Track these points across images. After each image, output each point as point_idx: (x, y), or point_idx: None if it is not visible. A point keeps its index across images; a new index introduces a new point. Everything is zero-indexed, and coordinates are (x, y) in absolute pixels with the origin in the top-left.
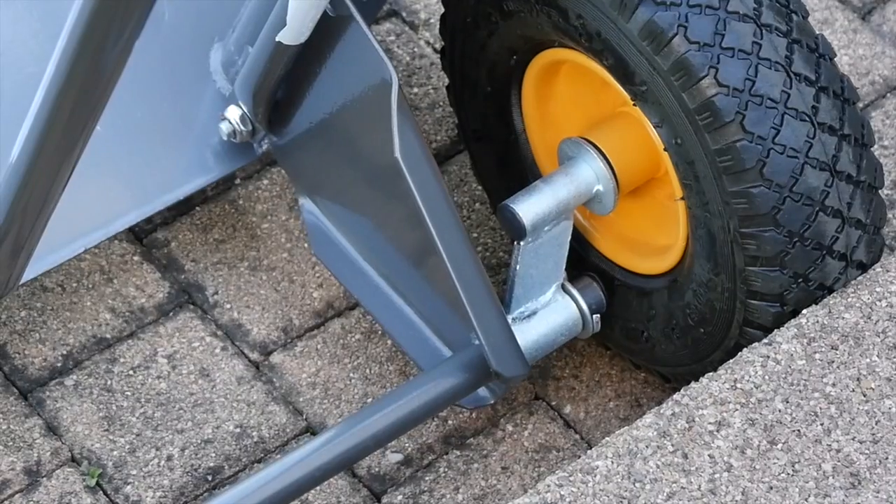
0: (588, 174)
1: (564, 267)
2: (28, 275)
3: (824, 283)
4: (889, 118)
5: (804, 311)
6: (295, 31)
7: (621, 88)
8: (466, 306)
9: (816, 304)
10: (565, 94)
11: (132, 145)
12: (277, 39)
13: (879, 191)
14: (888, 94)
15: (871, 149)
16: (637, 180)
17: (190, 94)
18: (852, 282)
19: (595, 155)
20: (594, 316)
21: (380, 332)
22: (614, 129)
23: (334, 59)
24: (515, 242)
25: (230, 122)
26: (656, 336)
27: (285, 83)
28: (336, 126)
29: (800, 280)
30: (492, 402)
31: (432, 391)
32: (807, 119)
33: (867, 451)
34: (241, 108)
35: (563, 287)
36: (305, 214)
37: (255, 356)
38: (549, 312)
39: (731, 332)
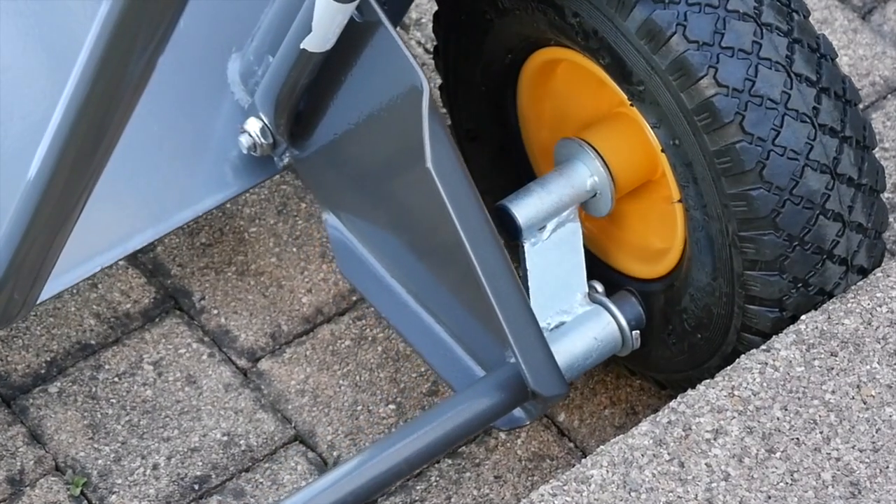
0: (584, 175)
1: (585, 274)
2: (44, 295)
3: (824, 289)
4: (890, 120)
5: (803, 317)
6: (320, 37)
7: (618, 88)
8: (502, 322)
9: (816, 309)
10: (561, 94)
11: (147, 161)
12: (302, 47)
13: (881, 194)
14: (889, 96)
15: (873, 151)
16: (634, 182)
17: (206, 107)
18: (852, 287)
19: (592, 155)
20: (633, 332)
21: (370, 339)
22: (611, 129)
23: (361, 67)
24: (520, 246)
25: (250, 135)
26: (652, 342)
27: (309, 93)
28: (362, 136)
29: (799, 285)
30: (527, 423)
31: (466, 413)
32: (807, 120)
33: (867, 460)
34: (261, 119)
35: (600, 302)
36: (330, 230)
37: (242, 363)
38: (586, 328)
39: (729, 338)
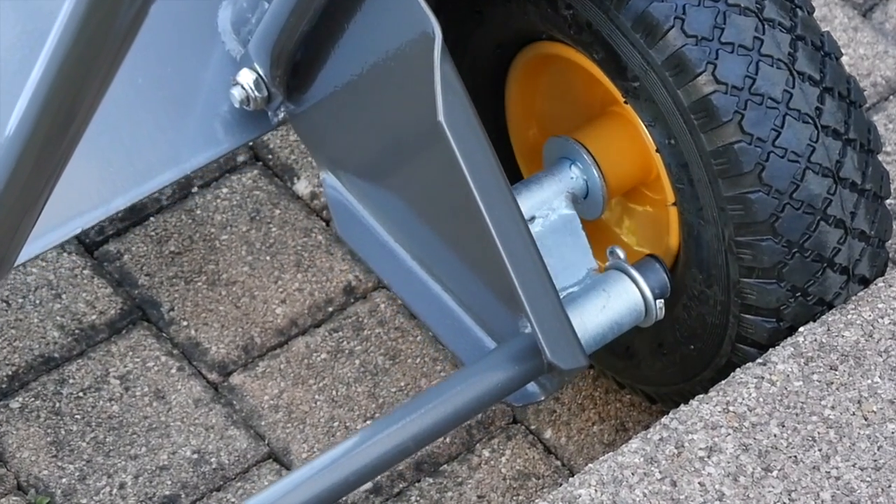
0: (575, 176)
1: (591, 252)
2: (22, 257)
3: (824, 298)
4: (892, 122)
5: (801, 329)
6: None
7: (612, 85)
8: (518, 288)
9: (815, 321)
10: (551, 91)
11: (131, 117)
12: None
13: (885, 201)
14: (891, 97)
15: (877, 155)
16: (627, 184)
17: (195, 58)
18: (853, 298)
19: (583, 156)
20: (657, 301)
21: (347, 352)
22: (604, 129)
23: (366, 12)
24: None
25: (243, 88)
26: (642, 353)
27: (307, 41)
28: (366, 89)
29: (798, 294)
30: (542, 398)
31: (477, 386)
32: (810, 121)
33: (868, 479)
34: (255, 71)
35: (621, 268)
36: (328, 190)
37: (213, 377)
38: (606, 295)
39: (723, 349)
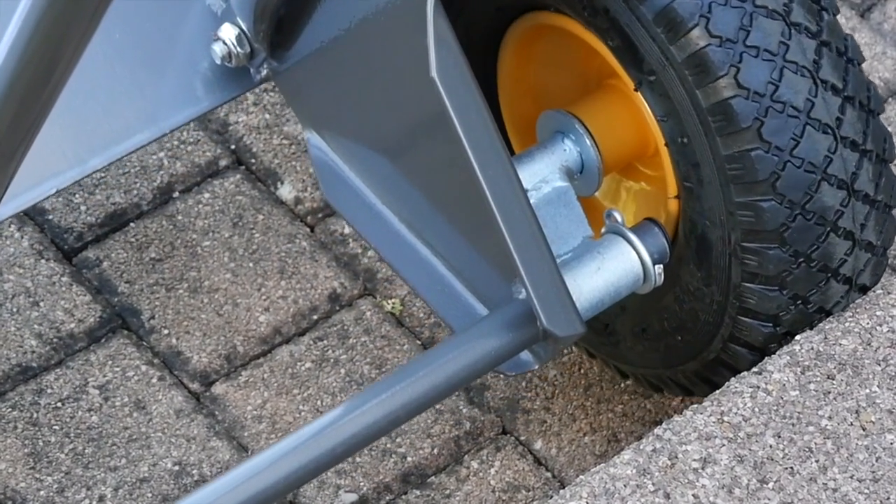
0: (569, 149)
1: (586, 221)
2: None
3: (824, 307)
4: (891, 126)
5: (798, 337)
6: None
7: (617, 65)
8: (512, 251)
9: (811, 329)
10: (547, 63)
11: (108, 73)
12: None
13: (893, 210)
14: (889, 99)
15: (890, 165)
16: (624, 159)
17: (174, 12)
18: (850, 305)
19: (578, 129)
20: (656, 266)
21: (332, 361)
22: (600, 102)
23: None
24: None
25: (224, 44)
26: (623, 333)
27: None
28: (354, 43)
29: (799, 302)
30: (536, 367)
31: (469, 354)
32: (829, 132)
33: (867, 491)
34: (237, 26)
35: (618, 231)
36: (312, 151)
37: (195, 386)
38: (602, 260)
39: (713, 346)
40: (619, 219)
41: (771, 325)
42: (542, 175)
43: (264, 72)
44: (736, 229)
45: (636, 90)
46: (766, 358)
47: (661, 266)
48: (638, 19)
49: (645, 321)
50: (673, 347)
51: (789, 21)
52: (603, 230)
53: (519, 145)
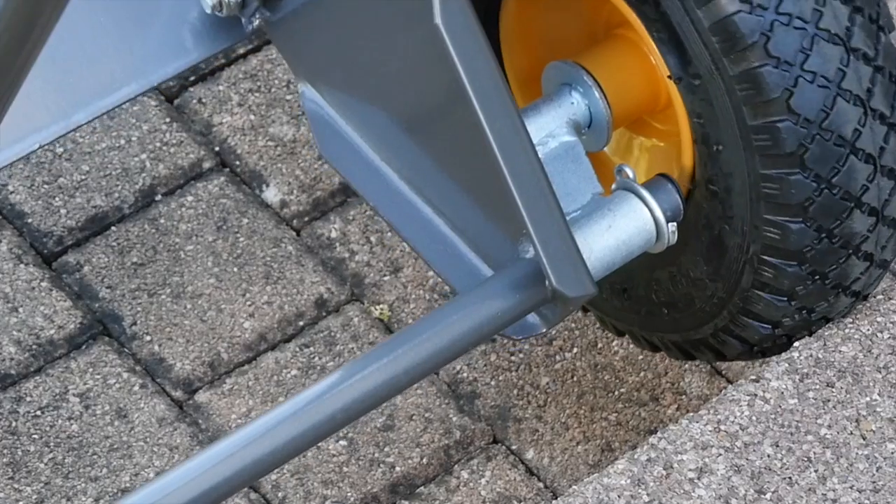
0: (577, 101)
1: (595, 177)
2: None
3: (827, 317)
4: None
5: (796, 344)
6: None
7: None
8: (521, 208)
9: (810, 335)
10: (552, 11)
11: (94, 23)
12: None
13: None
14: None
15: None
16: (634, 112)
17: None
18: (851, 312)
19: (587, 81)
20: (670, 224)
21: (318, 368)
22: (608, 52)
23: None
24: None
25: None
26: (601, 284)
27: None
28: None
29: (804, 311)
30: (543, 330)
31: (474, 316)
32: (871, 162)
33: (867, 502)
34: None
35: (630, 188)
36: (307, 104)
37: (178, 394)
38: (612, 216)
39: (703, 330)
40: (630, 175)
41: (770, 327)
42: (549, 129)
43: (256, 21)
44: (757, 242)
45: (673, 82)
46: (764, 365)
47: (675, 224)
48: (692, 22)
49: (628, 283)
50: (656, 316)
51: (849, 46)
52: (613, 186)
53: (522, 99)
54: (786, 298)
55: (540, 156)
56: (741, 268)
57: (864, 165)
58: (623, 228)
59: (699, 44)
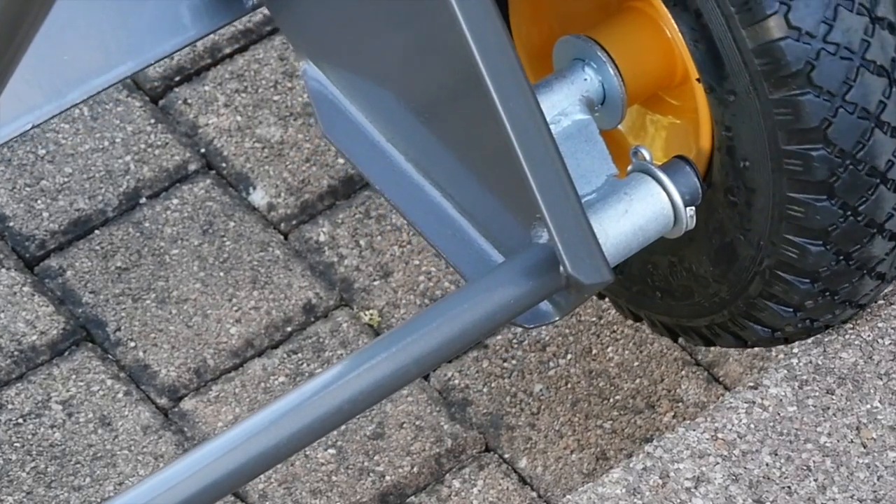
0: (590, 78)
1: (610, 158)
2: None
3: (830, 325)
4: None
5: (795, 350)
6: None
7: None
8: (535, 191)
9: (809, 341)
10: None
11: (87, 0)
12: None
13: None
14: None
15: None
16: (649, 88)
17: None
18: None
19: (600, 56)
20: (688, 209)
21: (307, 375)
22: (623, 27)
23: None
24: None
25: None
26: None
27: None
28: None
29: (807, 320)
30: (556, 319)
31: (486, 304)
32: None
33: None
34: None
35: (646, 170)
36: (310, 83)
37: (163, 402)
38: (629, 200)
39: (697, 322)
40: (646, 156)
41: (770, 331)
42: (561, 107)
43: None
44: (772, 257)
45: (699, 81)
46: (763, 372)
47: (693, 208)
48: (735, 41)
49: (624, 264)
50: (648, 297)
51: (892, 78)
52: (629, 168)
53: (533, 75)
54: (792, 310)
55: (555, 128)
56: (751, 277)
57: (892, 195)
58: (640, 213)
59: (739, 63)
